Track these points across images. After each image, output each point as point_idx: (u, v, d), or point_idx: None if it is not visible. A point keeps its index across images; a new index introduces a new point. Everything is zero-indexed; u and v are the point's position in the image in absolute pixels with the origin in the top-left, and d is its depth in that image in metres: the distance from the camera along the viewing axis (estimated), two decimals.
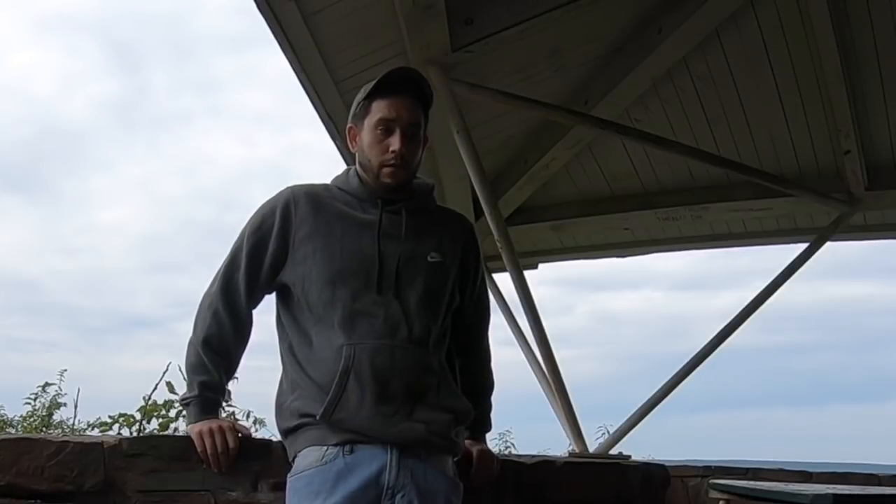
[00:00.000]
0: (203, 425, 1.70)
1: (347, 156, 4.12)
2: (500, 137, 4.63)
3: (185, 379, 1.76)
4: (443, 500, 1.60)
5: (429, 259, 1.71)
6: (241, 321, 1.75)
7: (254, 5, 3.14)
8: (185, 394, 1.75)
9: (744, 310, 4.86)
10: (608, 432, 4.95)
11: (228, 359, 1.75)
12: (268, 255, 1.71)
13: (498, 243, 3.91)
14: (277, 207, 1.72)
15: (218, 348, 1.72)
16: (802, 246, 5.05)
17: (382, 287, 1.64)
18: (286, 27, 3.30)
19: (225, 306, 1.72)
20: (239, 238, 1.76)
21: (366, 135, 1.71)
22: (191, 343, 1.74)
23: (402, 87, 1.69)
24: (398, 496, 1.54)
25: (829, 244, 5.02)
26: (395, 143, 1.66)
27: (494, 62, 3.84)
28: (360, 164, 1.75)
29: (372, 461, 1.55)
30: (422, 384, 1.62)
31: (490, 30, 3.46)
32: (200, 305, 1.76)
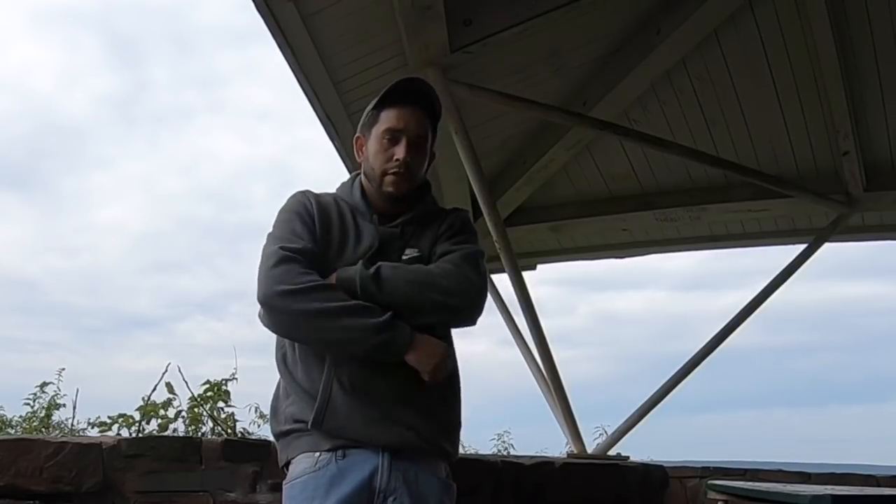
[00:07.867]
0: (410, 357, 1.55)
1: (346, 158, 4.12)
2: (498, 138, 4.63)
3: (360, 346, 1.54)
4: (435, 502, 1.60)
5: (403, 257, 1.66)
6: None
7: (253, 5, 3.15)
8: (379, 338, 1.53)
9: (743, 310, 4.85)
10: (605, 433, 4.94)
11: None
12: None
13: (496, 244, 3.92)
14: (304, 203, 1.70)
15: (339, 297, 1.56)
16: (801, 247, 5.05)
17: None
18: (285, 28, 3.29)
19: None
20: (272, 238, 1.65)
21: (372, 143, 1.71)
22: (319, 325, 1.54)
23: (412, 98, 1.70)
24: (390, 499, 1.55)
25: (827, 245, 5.02)
26: (399, 151, 1.67)
27: (493, 63, 3.83)
28: (364, 173, 1.75)
29: (364, 465, 1.56)
30: (407, 387, 1.58)
31: (489, 31, 3.46)
32: (286, 316, 1.57)
